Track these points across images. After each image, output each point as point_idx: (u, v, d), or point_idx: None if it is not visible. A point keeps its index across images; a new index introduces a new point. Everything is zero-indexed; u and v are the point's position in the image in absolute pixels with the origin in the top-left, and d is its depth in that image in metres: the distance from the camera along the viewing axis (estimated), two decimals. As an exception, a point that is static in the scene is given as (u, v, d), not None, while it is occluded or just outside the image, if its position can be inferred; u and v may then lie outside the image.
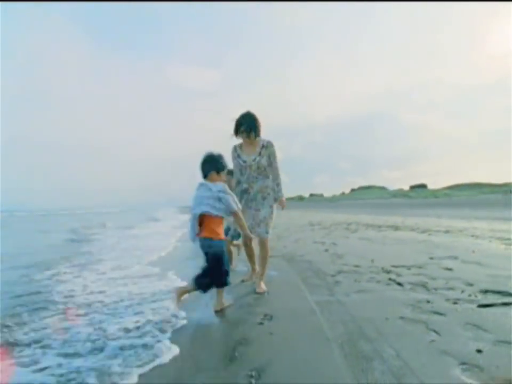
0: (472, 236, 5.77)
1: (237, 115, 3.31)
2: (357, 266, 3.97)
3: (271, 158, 3.28)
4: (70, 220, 26.07)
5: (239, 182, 3.37)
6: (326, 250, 5.21)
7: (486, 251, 4.31)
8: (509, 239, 5.21)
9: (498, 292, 2.69)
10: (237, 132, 3.28)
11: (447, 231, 6.58)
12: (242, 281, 3.67)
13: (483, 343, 1.91)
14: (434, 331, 2.12)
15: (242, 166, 3.30)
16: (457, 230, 6.69)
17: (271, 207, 3.32)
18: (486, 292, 2.73)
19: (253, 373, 1.77)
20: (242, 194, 3.33)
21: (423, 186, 65.09)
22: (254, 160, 3.25)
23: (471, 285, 2.93)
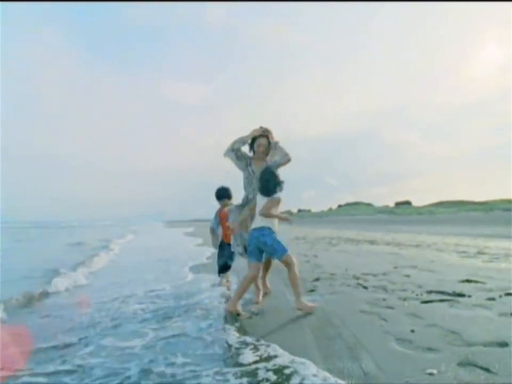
0: (437, 249, 6.51)
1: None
2: (332, 274, 4.61)
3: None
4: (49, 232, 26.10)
5: (244, 190, 3.65)
6: (308, 261, 5.84)
7: (442, 262, 5.03)
8: (466, 252, 5.96)
9: (440, 292, 3.36)
10: (252, 147, 3.57)
11: (417, 245, 7.32)
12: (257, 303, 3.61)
13: (416, 326, 2.55)
14: (384, 319, 2.76)
15: (251, 175, 3.55)
16: (427, 245, 7.43)
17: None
18: (430, 292, 3.40)
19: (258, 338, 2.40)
20: (246, 203, 3.60)
21: (407, 203, 66.69)
22: None
23: (420, 287, 3.61)
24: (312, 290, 3.84)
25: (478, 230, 15.35)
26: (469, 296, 3.16)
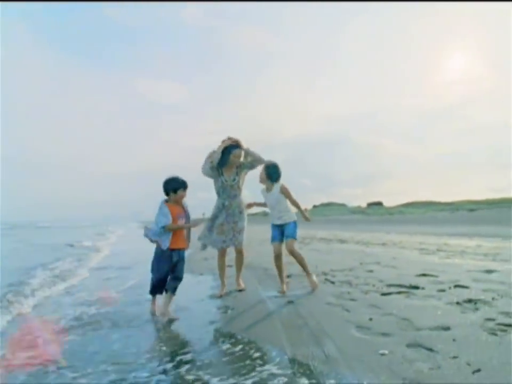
0: (401, 247, 6.96)
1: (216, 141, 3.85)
2: (303, 270, 4.86)
3: (243, 177, 3.97)
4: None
5: (219, 197, 3.93)
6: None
7: (404, 258, 5.42)
8: (426, 249, 6.42)
9: (398, 285, 3.69)
10: (223, 157, 3.79)
11: (383, 244, 7.77)
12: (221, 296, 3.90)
13: (374, 315, 2.83)
14: (347, 310, 3.03)
15: (224, 184, 3.87)
16: (392, 243, 7.89)
17: (245, 219, 3.97)
18: (390, 285, 3.72)
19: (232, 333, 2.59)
20: (222, 209, 3.89)
21: (379, 203, 68.63)
22: (234, 180, 3.89)
23: (381, 281, 3.93)
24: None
25: (443, 229, 16.19)
26: (423, 288, 3.49)
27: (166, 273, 3.34)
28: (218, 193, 3.95)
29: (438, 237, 10.99)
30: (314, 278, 3.95)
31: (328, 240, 9.81)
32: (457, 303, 2.96)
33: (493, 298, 3.00)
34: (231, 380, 1.98)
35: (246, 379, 1.97)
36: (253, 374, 2.03)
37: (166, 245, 3.28)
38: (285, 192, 3.82)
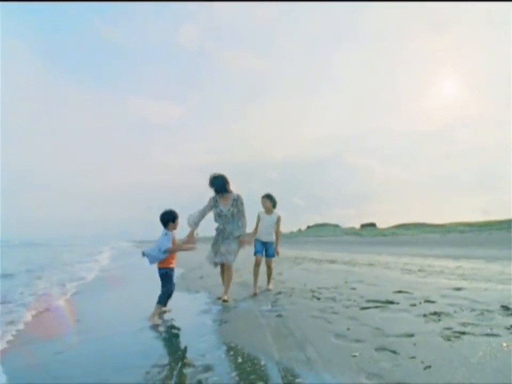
0: (386, 267, 7.39)
1: (208, 174, 4.71)
2: (292, 288, 5.28)
3: (240, 208, 4.73)
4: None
5: (216, 223, 4.82)
6: (273, 278, 6.48)
7: (385, 277, 5.85)
8: (409, 269, 6.86)
9: (376, 301, 4.11)
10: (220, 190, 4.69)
11: (369, 264, 8.19)
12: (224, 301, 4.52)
13: (352, 326, 3.24)
14: (329, 322, 3.43)
15: (220, 213, 4.69)
16: (379, 263, 8.31)
17: (238, 242, 4.74)
18: (369, 301, 4.14)
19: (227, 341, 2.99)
20: (220, 232, 4.78)
21: (372, 225, 69.17)
22: (229, 210, 4.66)
23: (362, 297, 4.34)
24: (274, 302, 4.47)
25: (433, 251, 16.63)
26: (397, 303, 3.92)
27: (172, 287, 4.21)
28: (216, 219, 4.80)
29: (425, 258, 11.42)
30: (271, 286, 5.43)
31: (319, 260, 10.22)
32: (424, 315, 3.39)
33: (454, 311, 3.44)
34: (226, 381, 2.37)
35: (238, 381, 2.37)
36: (244, 376, 2.43)
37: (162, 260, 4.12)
38: (279, 221, 5.14)
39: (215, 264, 4.88)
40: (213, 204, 4.72)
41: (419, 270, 6.72)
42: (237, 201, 4.69)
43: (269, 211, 5.12)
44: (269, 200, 5.09)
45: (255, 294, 4.95)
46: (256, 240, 5.16)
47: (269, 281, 5.45)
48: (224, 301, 4.48)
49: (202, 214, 4.72)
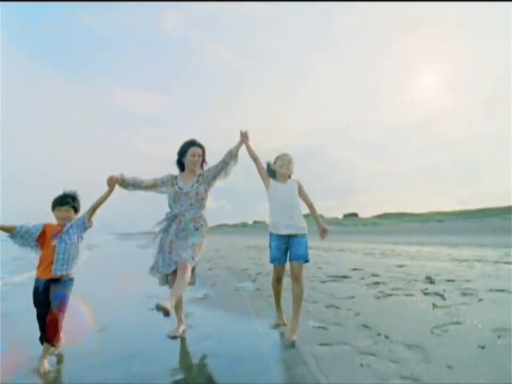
0: (352, 252, 8.49)
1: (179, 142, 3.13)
2: (271, 269, 6.25)
3: (212, 179, 3.13)
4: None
5: (170, 208, 3.04)
6: (254, 262, 7.46)
7: (348, 259, 6.92)
8: (371, 253, 7.96)
9: (335, 276, 5.12)
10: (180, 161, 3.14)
11: (340, 250, 9.29)
12: None
13: (312, 293, 4.22)
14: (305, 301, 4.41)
15: (178, 193, 2.99)
16: (348, 249, 9.42)
17: (202, 237, 2.96)
18: (329, 276, 5.16)
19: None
20: (171, 221, 2.96)
21: (354, 215, 71.43)
22: (192, 186, 3.02)
23: (325, 274, 5.36)
24: (254, 280, 5.44)
25: (409, 238, 17.98)
26: (350, 277, 4.94)
27: None
28: (169, 204, 3.05)
29: (395, 245, 12.64)
30: (295, 337, 2.68)
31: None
32: (367, 284, 4.42)
33: (390, 281, 4.48)
34: None
35: None
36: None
37: None
38: (302, 188, 3.12)
39: (166, 278, 2.98)
40: (172, 182, 3.08)
41: (380, 254, 7.82)
42: (204, 176, 3.11)
43: (283, 177, 3.07)
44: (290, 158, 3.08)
45: (277, 325, 3.20)
46: (270, 234, 3.06)
47: (296, 318, 2.86)
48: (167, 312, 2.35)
49: (149, 183, 3.05)
